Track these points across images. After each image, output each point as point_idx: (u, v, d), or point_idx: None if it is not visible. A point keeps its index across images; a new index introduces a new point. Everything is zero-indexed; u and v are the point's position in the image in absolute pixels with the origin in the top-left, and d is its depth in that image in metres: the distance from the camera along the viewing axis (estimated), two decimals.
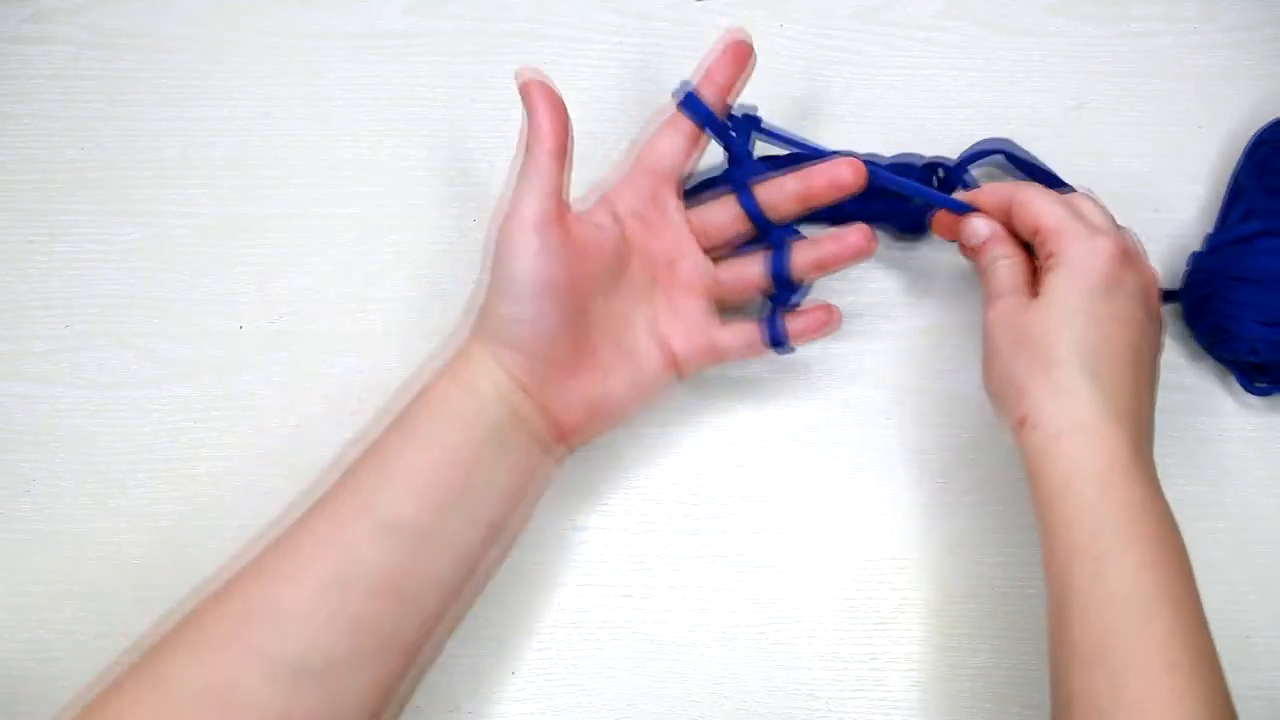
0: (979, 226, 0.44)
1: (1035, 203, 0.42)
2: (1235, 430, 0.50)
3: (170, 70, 0.56)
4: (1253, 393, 0.49)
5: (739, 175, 0.44)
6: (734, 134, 0.44)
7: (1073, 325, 0.39)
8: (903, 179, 0.45)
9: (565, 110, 0.40)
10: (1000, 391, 0.42)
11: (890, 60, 0.55)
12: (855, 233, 0.44)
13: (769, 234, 0.45)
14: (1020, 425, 0.40)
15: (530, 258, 0.39)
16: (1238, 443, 0.50)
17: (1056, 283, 0.40)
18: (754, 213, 0.44)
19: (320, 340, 0.52)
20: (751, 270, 0.45)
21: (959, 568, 0.49)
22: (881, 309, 0.52)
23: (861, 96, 0.54)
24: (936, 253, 0.51)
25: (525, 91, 0.40)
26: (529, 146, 0.40)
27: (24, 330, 0.53)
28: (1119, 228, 0.43)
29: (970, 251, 0.45)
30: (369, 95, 0.56)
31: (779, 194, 0.44)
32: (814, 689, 0.48)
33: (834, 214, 0.46)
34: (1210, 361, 0.51)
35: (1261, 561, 0.49)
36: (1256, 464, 0.50)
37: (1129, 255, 0.41)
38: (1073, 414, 0.38)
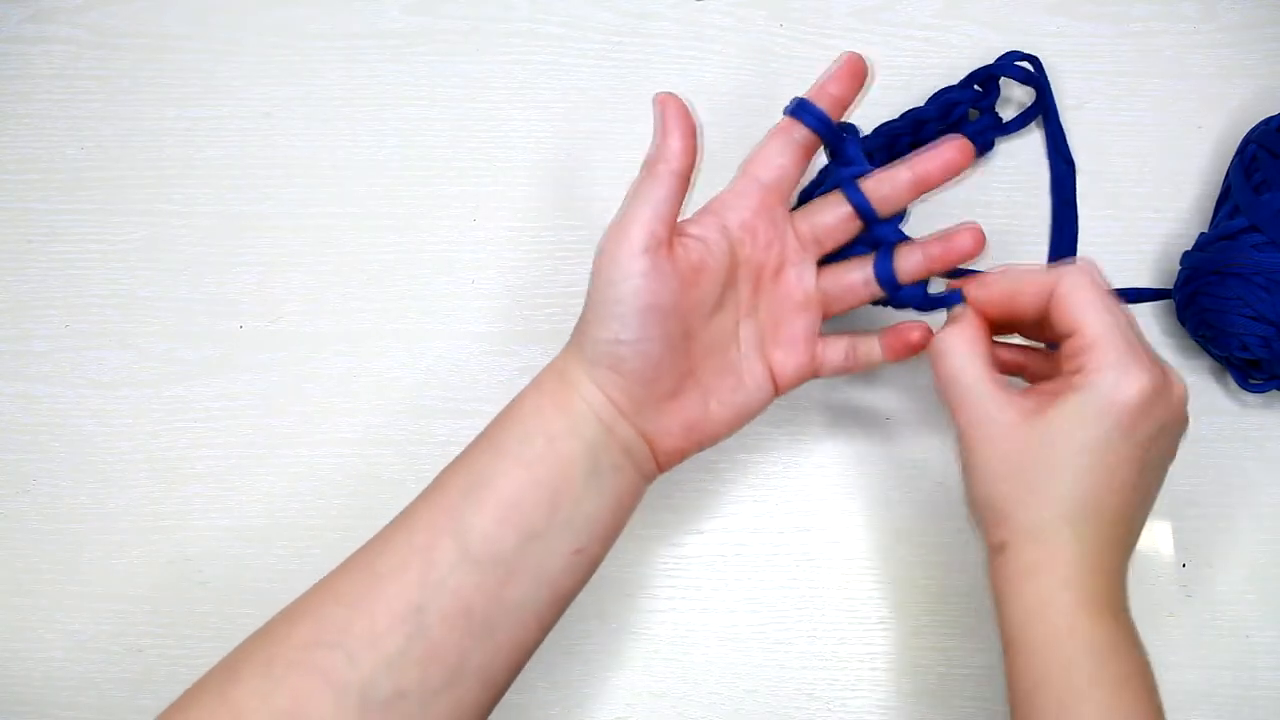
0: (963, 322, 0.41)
1: (1080, 302, 0.37)
2: (1234, 429, 0.50)
3: (170, 70, 0.56)
4: (1249, 390, 0.49)
5: (846, 173, 0.42)
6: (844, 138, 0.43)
7: (1076, 466, 0.36)
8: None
9: (696, 135, 0.39)
10: (980, 508, 0.39)
11: (890, 60, 0.55)
12: (963, 235, 0.42)
13: (875, 233, 0.43)
14: (997, 549, 0.38)
15: (637, 279, 0.37)
16: (1237, 442, 0.50)
17: (1073, 411, 0.36)
18: (864, 208, 0.42)
19: (320, 340, 0.52)
20: (854, 277, 0.43)
21: (958, 567, 0.49)
22: (880, 310, 0.52)
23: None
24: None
25: (661, 106, 0.38)
26: (651, 165, 0.38)
27: (24, 330, 0.53)
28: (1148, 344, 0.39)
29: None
30: (369, 95, 0.56)
31: (890, 186, 0.42)
32: (814, 689, 0.48)
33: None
34: (1207, 360, 0.51)
35: (1261, 561, 0.49)
36: (1255, 463, 0.50)
37: (1161, 390, 0.37)
38: (1051, 555, 0.36)
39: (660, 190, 0.38)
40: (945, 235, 0.42)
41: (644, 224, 0.38)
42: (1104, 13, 0.56)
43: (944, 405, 0.40)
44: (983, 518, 0.39)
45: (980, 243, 0.42)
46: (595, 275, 0.38)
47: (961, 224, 0.42)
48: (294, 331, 0.53)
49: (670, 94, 0.39)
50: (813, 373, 0.44)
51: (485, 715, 0.38)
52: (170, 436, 0.51)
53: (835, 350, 0.44)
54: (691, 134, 0.38)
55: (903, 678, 0.48)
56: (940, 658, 0.48)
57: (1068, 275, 0.38)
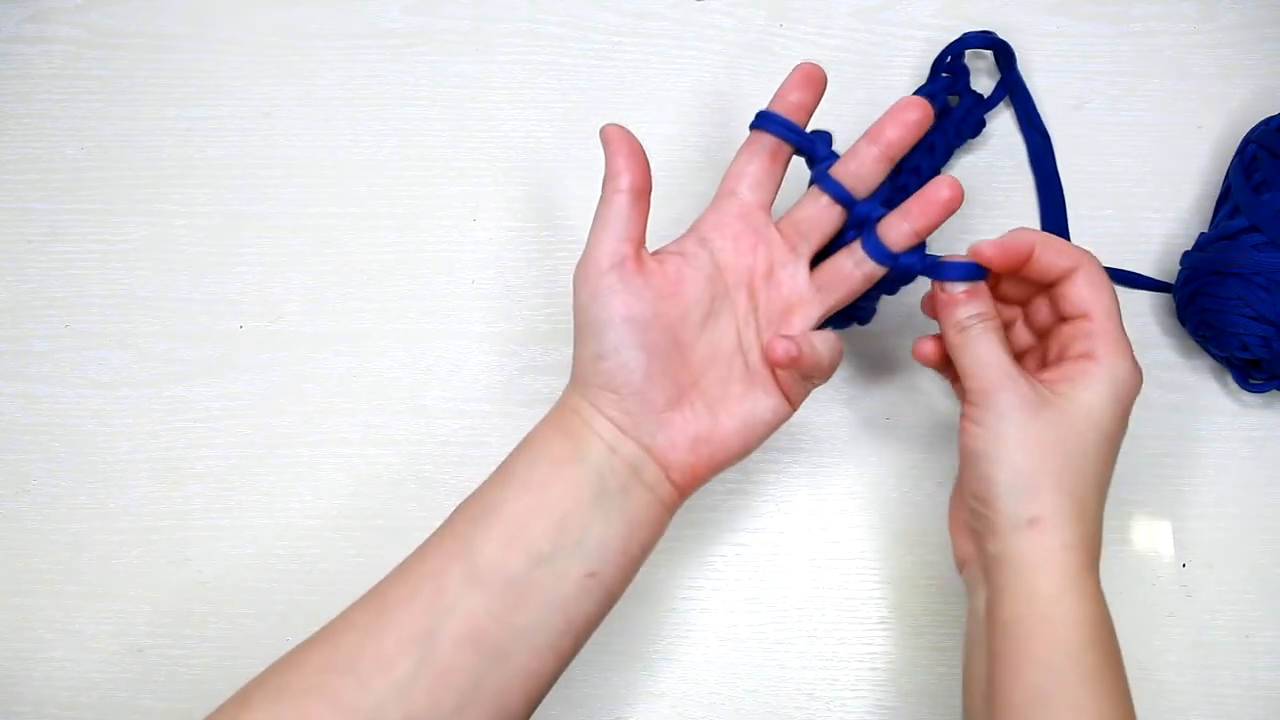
0: (982, 310, 0.41)
1: (1100, 287, 0.40)
2: (1233, 429, 0.50)
3: (170, 70, 0.56)
4: (1249, 390, 0.49)
5: (817, 167, 0.42)
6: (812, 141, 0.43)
7: (1102, 447, 0.39)
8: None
9: (644, 155, 0.40)
10: (1010, 483, 0.38)
11: (890, 60, 0.55)
12: (938, 187, 0.41)
13: (857, 214, 0.42)
14: (1030, 524, 0.38)
15: (606, 295, 0.39)
16: (1236, 442, 0.50)
17: (1095, 393, 0.39)
18: (837, 192, 0.42)
19: (320, 340, 0.52)
20: (844, 263, 0.42)
21: None
22: (880, 310, 0.52)
23: (861, 96, 0.54)
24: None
25: (605, 136, 0.40)
26: (605, 188, 0.40)
27: (24, 330, 0.53)
28: None
29: (940, 303, 0.41)
30: (369, 95, 0.56)
31: (858, 162, 0.42)
32: (814, 689, 0.48)
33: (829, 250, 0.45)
34: (1207, 360, 0.51)
35: (1261, 561, 0.49)
36: (1254, 463, 0.50)
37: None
38: (1084, 530, 0.38)
39: (614, 210, 0.40)
40: (921, 193, 0.42)
41: (604, 244, 0.39)
42: (1104, 13, 0.56)
43: (971, 385, 0.40)
44: (1013, 491, 0.38)
45: (958, 190, 0.41)
46: (574, 303, 0.40)
47: (938, 177, 0.41)
48: (294, 331, 0.53)
49: (610, 124, 0.40)
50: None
51: None
52: (170, 436, 0.51)
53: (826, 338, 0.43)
54: (635, 153, 0.40)
55: (903, 678, 0.48)
56: (940, 658, 0.48)
57: (1089, 259, 0.40)
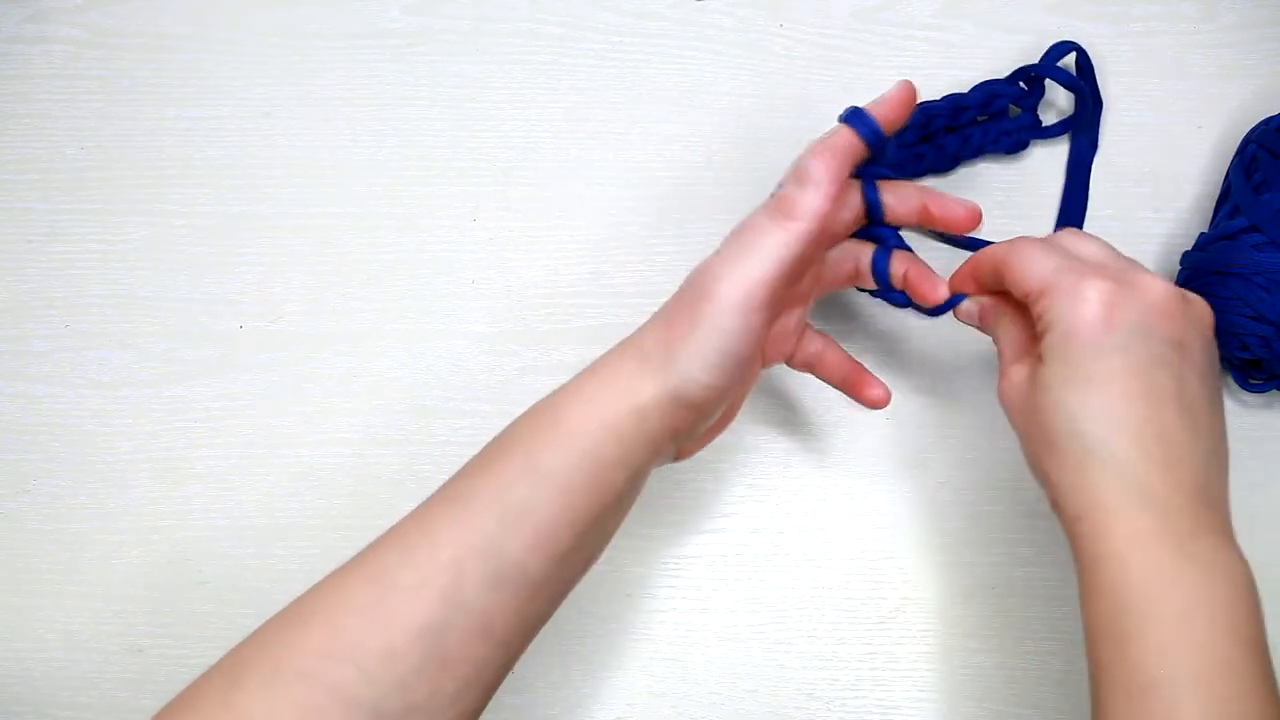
0: (968, 309, 0.42)
1: (1019, 265, 0.38)
2: (1233, 429, 0.50)
3: (169, 70, 0.56)
4: (1249, 390, 0.49)
5: (869, 170, 0.43)
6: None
7: (1070, 395, 0.35)
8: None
9: (842, 193, 0.38)
10: (1033, 473, 0.38)
11: (890, 60, 0.55)
12: (942, 286, 0.43)
13: (877, 232, 0.44)
14: (1052, 509, 0.37)
15: (751, 334, 0.37)
16: (1236, 442, 0.49)
17: (1048, 350, 0.36)
18: (875, 208, 0.43)
19: (320, 340, 0.52)
20: (847, 268, 0.44)
21: (958, 568, 0.49)
22: (880, 309, 0.52)
23: (861, 96, 0.54)
24: (935, 253, 0.51)
25: (822, 151, 0.38)
26: (790, 213, 0.37)
27: (24, 330, 0.53)
28: (1120, 256, 0.39)
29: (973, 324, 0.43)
30: (369, 95, 0.56)
31: (901, 204, 0.42)
32: (814, 689, 0.48)
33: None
34: None
35: (1260, 561, 0.48)
36: (1255, 463, 0.50)
37: (1126, 289, 0.36)
38: (1087, 494, 0.35)
39: (793, 248, 0.37)
40: (930, 276, 0.43)
41: (768, 283, 0.37)
42: (1104, 13, 0.55)
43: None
44: (1037, 480, 0.38)
45: (975, 218, 0.42)
46: (703, 312, 0.37)
47: (938, 280, 0.43)
48: (294, 331, 0.53)
49: (842, 137, 0.39)
50: (787, 360, 0.45)
51: (480, 714, 0.38)
52: (170, 436, 0.51)
53: (808, 347, 0.45)
54: (841, 194, 0.38)
55: (903, 678, 0.48)
56: (940, 658, 0.48)
57: (1007, 248, 0.39)
